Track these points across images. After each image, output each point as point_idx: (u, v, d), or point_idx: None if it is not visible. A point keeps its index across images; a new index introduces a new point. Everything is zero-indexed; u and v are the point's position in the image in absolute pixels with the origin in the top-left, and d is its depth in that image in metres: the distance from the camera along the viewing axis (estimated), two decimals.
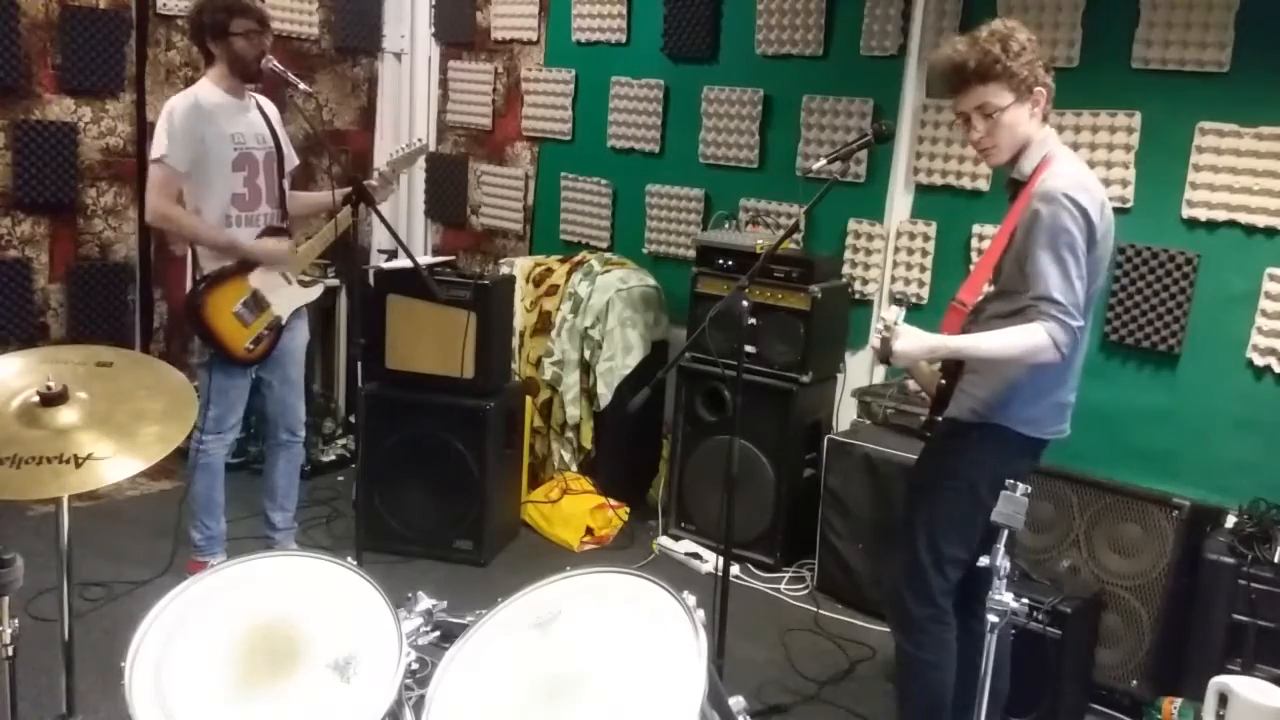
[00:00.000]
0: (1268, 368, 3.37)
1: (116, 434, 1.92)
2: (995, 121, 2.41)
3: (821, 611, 3.90)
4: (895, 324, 2.33)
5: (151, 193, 3.50)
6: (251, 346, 3.54)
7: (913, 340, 2.36)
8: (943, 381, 2.58)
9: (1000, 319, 2.46)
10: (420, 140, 3.85)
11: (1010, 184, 2.53)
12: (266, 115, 3.62)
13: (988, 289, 2.59)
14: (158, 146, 3.41)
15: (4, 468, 1.81)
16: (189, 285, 3.57)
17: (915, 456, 2.81)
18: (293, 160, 3.77)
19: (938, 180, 4.08)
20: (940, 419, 2.59)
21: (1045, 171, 2.41)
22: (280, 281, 3.60)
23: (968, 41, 2.42)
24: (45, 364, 2.02)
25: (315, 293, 3.76)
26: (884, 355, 2.36)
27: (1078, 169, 2.45)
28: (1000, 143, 2.44)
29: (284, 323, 3.61)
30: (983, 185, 3.96)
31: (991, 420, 2.49)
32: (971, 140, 2.49)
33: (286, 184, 3.71)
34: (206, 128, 3.41)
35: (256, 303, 3.54)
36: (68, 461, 1.84)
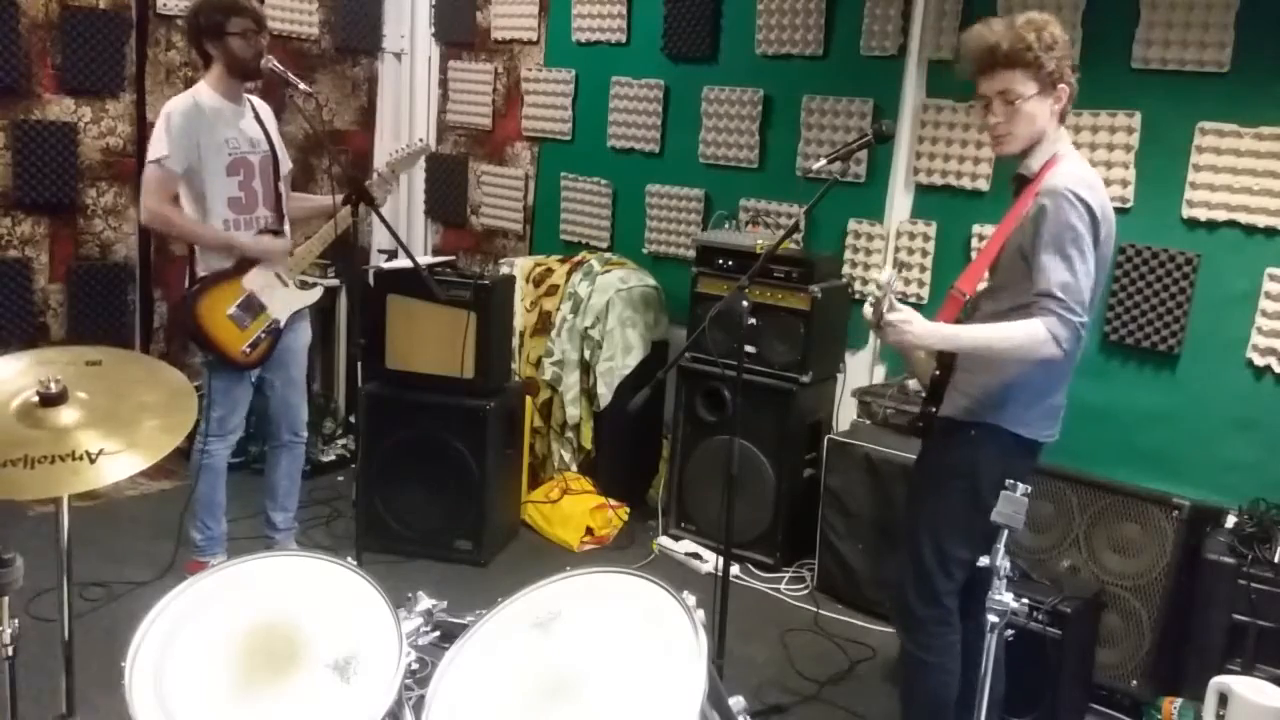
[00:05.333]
0: (1268, 368, 3.37)
1: (122, 430, 1.92)
2: (1015, 109, 2.40)
3: (821, 611, 3.90)
4: (890, 284, 2.31)
5: (146, 194, 3.48)
6: (248, 350, 3.53)
7: (924, 326, 2.35)
8: (937, 373, 2.58)
9: (992, 318, 2.45)
10: (422, 141, 3.83)
11: (1015, 179, 2.53)
12: (261, 120, 3.62)
13: (983, 286, 2.59)
14: (156, 148, 3.41)
15: (16, 469, 1.80)
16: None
17: (916, 456, 2.81)
18: (286, 164, 3.75)
19: (938, 180, 4.08)
20: (935, 415, 2.59)
21: (1052, 170, 2.41)
22: (276, 284, 3.59)
23: (1005, 24, 2.41)
24: (37, 366, 2.00)
25: (314, 295, 3.74)
26: (877, 320, 2.32)
27: (1084, 169, 2.46)
28: (1017, 131, 2.43)
29: (282, 325, 3.60)
30: (983, 185, 3.96)
31: (987, 420, 2.48)
32: (988, 125, 2.47)
33: (284, 187, 3.70)
34: (203, 131, 3.41)
35: (251, 306, 3.52)
36: (80, 458, 1.84)
